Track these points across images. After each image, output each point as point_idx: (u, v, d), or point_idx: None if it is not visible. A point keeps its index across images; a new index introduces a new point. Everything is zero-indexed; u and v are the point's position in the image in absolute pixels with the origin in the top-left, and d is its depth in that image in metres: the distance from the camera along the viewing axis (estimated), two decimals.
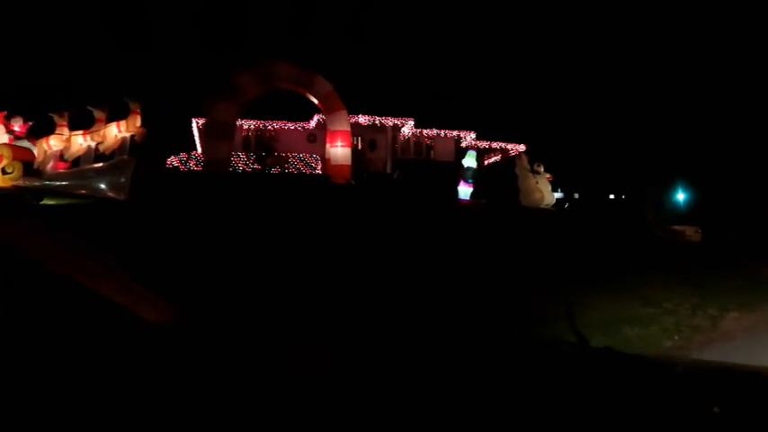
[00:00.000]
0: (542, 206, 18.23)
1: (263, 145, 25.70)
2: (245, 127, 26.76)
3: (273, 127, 27.04)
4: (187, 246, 6.92)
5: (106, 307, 1.05)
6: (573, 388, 0.87)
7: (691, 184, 46.47)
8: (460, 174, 16.32)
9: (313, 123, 26.84)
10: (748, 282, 8.96)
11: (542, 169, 18.89)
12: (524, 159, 18.54)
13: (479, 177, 16.29)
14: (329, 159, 18.43)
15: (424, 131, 29.25)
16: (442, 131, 29.50)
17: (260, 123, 26.85)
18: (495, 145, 31.92)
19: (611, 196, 48.08)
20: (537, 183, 18.47)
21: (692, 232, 25.17)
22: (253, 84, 16.72)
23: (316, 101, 18.21)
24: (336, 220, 10.85)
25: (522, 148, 32.52)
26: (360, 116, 26.61)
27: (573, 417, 0.75)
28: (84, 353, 0.95)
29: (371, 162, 28.34)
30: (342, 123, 17.88)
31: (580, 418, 0.75)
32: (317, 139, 27.81)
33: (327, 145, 18.50)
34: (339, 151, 17.91)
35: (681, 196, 49.14)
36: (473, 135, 30.08)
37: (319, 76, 17.51)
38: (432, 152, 30.18)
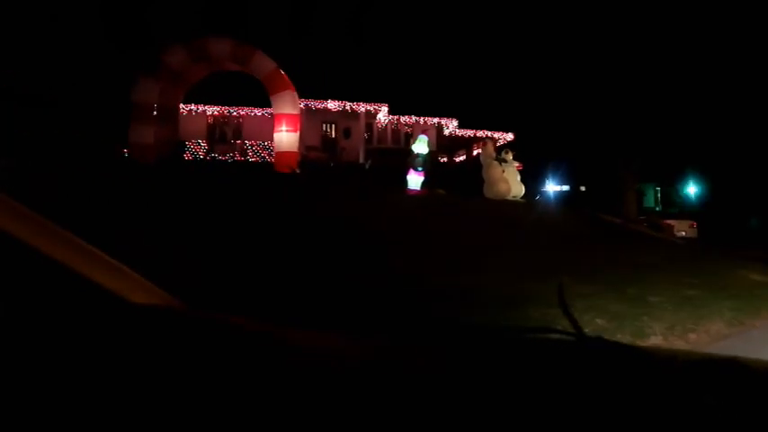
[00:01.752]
0: (509, 198, 16.50)
1: (223, 132, 24.20)
2: (209, 113, 25.25)
3: (239, 113, 25.46)
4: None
5: (99, 292, 0.99)
6: (566, 377, 0.85)
7: (700, 179, 44.18)
8: (409, 161, 14.61)
9: None
10: (703, 291, 7.21)
11: (511, 157, 17.10)
12: (489, 146, 16.79)
13: (430, 166, 14.55)
14: (274, 146, 16.83)
15: (402, 118, 27.50)
16: (422, 119, 27.73)
17: (224, 109, 25.29)
18: (480, 134, 30.10)
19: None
20: (504, 172, 16.74)
21: (685, 227, 23.32)
22: (182, 61, 15.12)
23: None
24: (258, 216, 9.39)
25: (510, 137, 30.70)
26: (329, 101, 24.97)
27: (567, 405, 0.72)
28: (75, 337, 0.89)
29: (345, 151, 26.71)
30: (286, 106, 16.24)
31: (574, 407, 0.72)
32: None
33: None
34: (284, 137, 16.28)
35: (692, 189, 46.88)
36: (455, 123, 28.31)
37: (260, 52, 15.86)
38: (411, 141, 28.42)
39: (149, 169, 13.61)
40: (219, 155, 21.50)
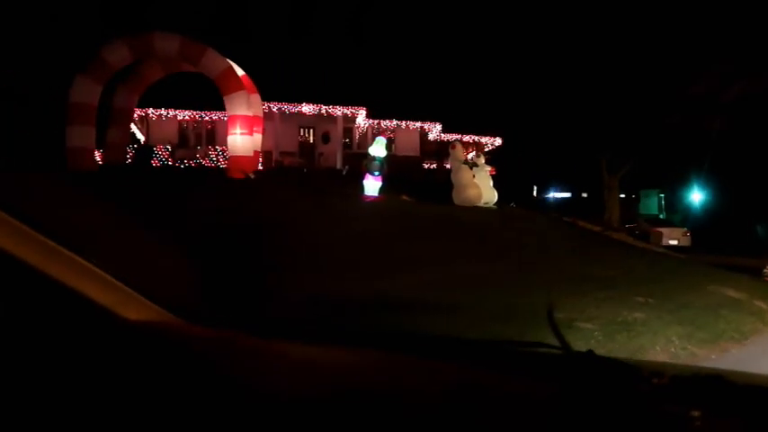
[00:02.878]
0: (480, 205, 15.35)
1: (186, 136, 23.30)
2: (180, 118, 24.34)
3: (211, 118, 24.49)
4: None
5: (91, 307, 0.97)
6: (556, 389, 0.87)
7: (706, 185, 42.62)
8: (365, 165, 13.51)
9: None
10: (653, 313, 6.03)
11: (482, 161, 16.00)
12: (459, 149, 15.65)
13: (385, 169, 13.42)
14: (228, 150, 15.79)
15: (383, 123, 26.40)
16: (403, 122, 26.62)
17: (196, 114, 24.35)
18: (467, 138, 28.94)
19: (622, 195, 44.56)
20: (474, 177, 15.61)
21: (678, 235, 22.04)
22: (124, 57, 14.12)
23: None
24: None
25: (498, 142, 29.57)
26: (303, 105, 23.96)
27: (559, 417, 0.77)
28: (62, 355, 0.89)
29: (323, 156, 25.69)
30: (240, 107, 15.18)
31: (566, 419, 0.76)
32: (264, 131, 25.25)
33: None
34: (237, 140, 15.23)
35: (697, 196, 45.30)
36: (439, 127, 27.18)
37: (211, 50, 14.86)
38: (393, 146, 27.33)
39: (83, 176, 12.59)
40: (181, 160, 20.50)
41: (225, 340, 1.05)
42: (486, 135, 29.14)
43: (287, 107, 23.81)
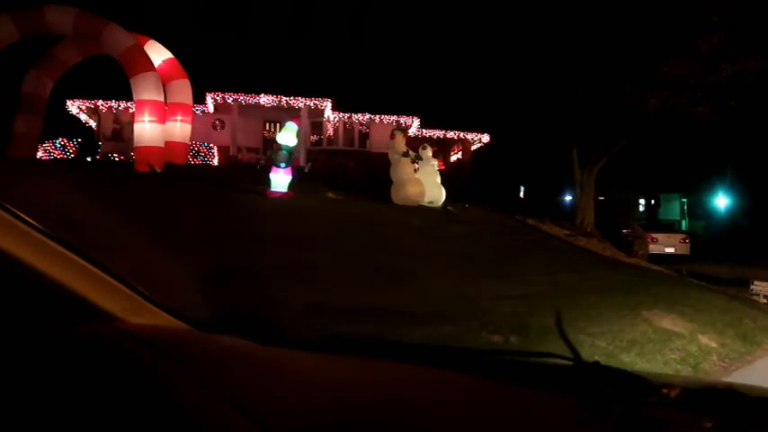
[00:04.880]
0: (425, 204, 13.17)
1: (118, 129, 21.69)
2: (132, 110, 22.65)
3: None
4: None
5: (94, 311, 0.93)
6: (574, 402, 0.85)
7: (734, 189, 39.50)
8: (270, 155, 11.46)
9: (210, 106, 22.40)
10: None
11: (430, 153, 13.80)
12: (399, 138, 13.46)
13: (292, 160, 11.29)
14: (134, 140, 13.89)
15: (354, 116, 24.31)
16: (377, 117, 24.46)
17: None
18: (451, 135, 26.68)
19: (642, 200, 42.04)
20: (416, 171, 13.45)
21: (676, 242, 19.53)
22: (8, 34, 12.36)
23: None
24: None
25: (486, 138, 27.24)
26: (261, 96, 22.03)
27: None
28: (63, 362, 0.88)
29: None
30: (149, 90, 13.28)
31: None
32: (224, 125, 23.49)
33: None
34: (146, 128, 13.33)
35: (722, 201, 41.99)
36: (417, 122, 24.94)
37: (113, 26, 12.98)
38: (367, 141, 25.24)
39: None
40: (112, 154, 18.78)
41: (231, 349, 1.03)
42: (471, 132, 26.86)
43: (243, 98, 21.93)
